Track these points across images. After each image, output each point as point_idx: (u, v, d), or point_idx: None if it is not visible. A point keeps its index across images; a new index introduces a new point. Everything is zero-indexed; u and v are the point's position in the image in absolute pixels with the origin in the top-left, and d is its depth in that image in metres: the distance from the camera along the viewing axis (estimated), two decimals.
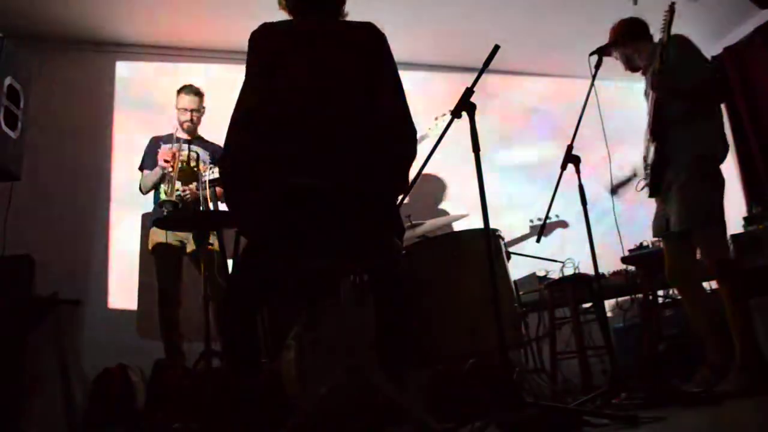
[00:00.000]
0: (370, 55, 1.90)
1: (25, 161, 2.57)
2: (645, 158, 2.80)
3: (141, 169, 3.48)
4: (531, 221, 4.47)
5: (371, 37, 1.93)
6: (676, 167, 2.63)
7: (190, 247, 3.36)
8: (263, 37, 1.90)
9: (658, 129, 2.66)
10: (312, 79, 1.84)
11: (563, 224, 4.46)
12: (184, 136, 3.52)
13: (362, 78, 1.87)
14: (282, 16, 2.05)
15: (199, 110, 3.54)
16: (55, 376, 2.98)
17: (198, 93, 3.53)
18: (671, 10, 2.55)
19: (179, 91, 3.54)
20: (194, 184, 3.35)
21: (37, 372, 2.93)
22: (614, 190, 2.89)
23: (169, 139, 3.46)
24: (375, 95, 1.87)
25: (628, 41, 2.86)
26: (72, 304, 3.37)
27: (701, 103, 2.68)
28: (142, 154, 3.50)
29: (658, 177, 2.70)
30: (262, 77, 1.86)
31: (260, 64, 1.88)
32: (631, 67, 2.92)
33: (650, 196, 2.81)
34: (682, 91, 2.64)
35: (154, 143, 3.47)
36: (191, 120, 3.50)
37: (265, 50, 1.89)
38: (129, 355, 3.24)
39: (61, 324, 3.10)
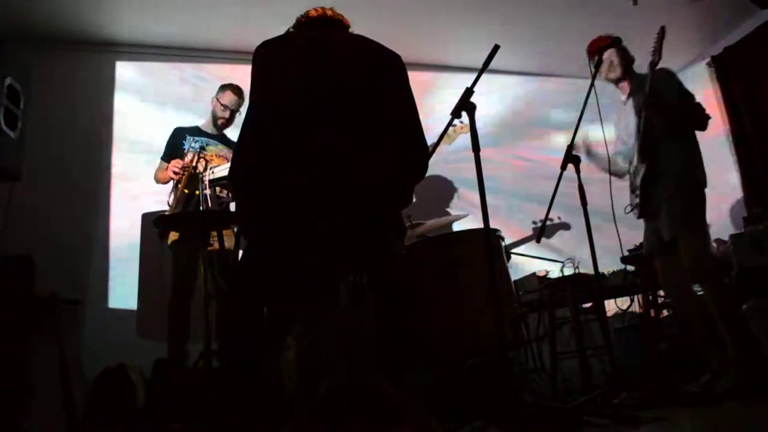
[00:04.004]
0: (380, 66, 1.91)
1: (25, 161, 2.57)
2: (632, 182, 2.86)
3: (163, 159, 3.45)
4: (534, 223, 4.45)
5: (382, 51, 1.95)
6: (666, 182, 2.71)
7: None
8: (263, 51, 1.94)
9: (647, 147, 2.73)
10: (316, 80, 1.85)
11: (566, 226, 4.43)
12: (211, 130, 3.50)
13: (369, 84, 1.87)
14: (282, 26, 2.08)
15: (239, 111, 3.50)
16: (55, 376, 2.97)
17: (242, 95, 3.49)
18: (662, 32, 2.65)
19: (225, 87, 3.50)
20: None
21: (37, 372, 2.93)
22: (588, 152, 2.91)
23: (194, 131, 3.47)
24: (386, 105, 1.87)
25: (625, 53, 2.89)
26: (72, 304, 3.36)
27: (686, 123, 2.77)
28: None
29: (647, 196, 2.77)
30: (266, 84, 1.89)
31: (263, 74, 1.91)
32: (614, 71, 2.91)
33: (639, 216, 2.86)
34: (672, 109, 2.73)
35: (178, 134, 3.45)
36: (229, 119, 3.48)
37: (266, 61, 1.92)
38: (129, 355, 3.22)
39: (61, 324, 3.09)
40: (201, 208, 3.10)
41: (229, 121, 3.50)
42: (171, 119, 3.59)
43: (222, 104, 3.47)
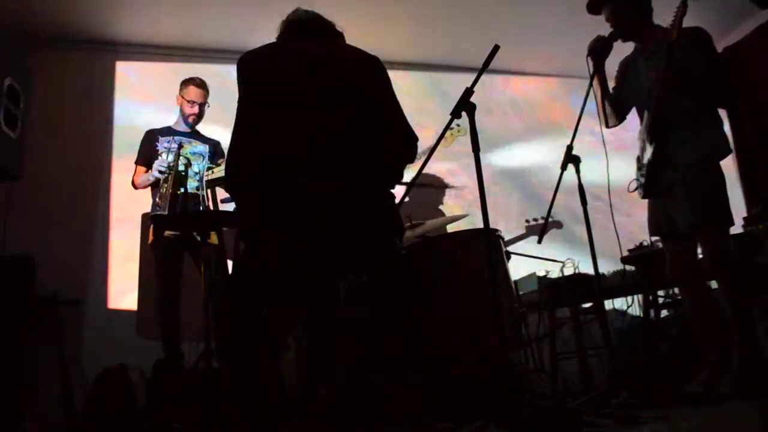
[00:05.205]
0: (365, 68, 1.98)
1: (25, 161, 2.58)
2: (639, 158, 2.74)
3: (137, 163, 3.44)
4: (527, 221, 4.46)
5: (363, 55, 2.00)
6: (681, 167, 2.57)
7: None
8: (248, 60, 1.97)
9: (658, 128, 2.59)
10: (308, 86, 1.89)
11: (558, 224, 4.44)
12: (183, 128, 3.48)
13: (358, 86, 1.93)
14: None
15: (206, 104, 3.49)
16: (55, 376, 2.98)
17: (206, 86, 3.48)
18: (683, 6, 2.44)
19: (187, 83, 3.46)
20: (182, 190, 3.32)
21: (36, 372, 2.93)
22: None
23: (166, 132, 3.45)
24: (374, 104, 1.93)
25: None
26: (72, 304, 3.37)
27: (710, 101, 2.61)
28: None
29: (654, 177, 2.64)
30: (257, 91, 1.92)
31: (252, 82, 1.94)
32: (620, 22, 2.69)
33: (644, 196, 2.74)
34: (693, 86, 2.55)
35: (151, 137, 3.43)
36: (198, 113, 3.46)
37: (252, 68, 1.96)
38: (129, 355, 3.23)
39: (61, 324, 3.10)
40: (201, 208, 3.10)
41: (199, 116, 3.47)
42: (171, 119, 3.59)
43: (188, 100, 3.43)
